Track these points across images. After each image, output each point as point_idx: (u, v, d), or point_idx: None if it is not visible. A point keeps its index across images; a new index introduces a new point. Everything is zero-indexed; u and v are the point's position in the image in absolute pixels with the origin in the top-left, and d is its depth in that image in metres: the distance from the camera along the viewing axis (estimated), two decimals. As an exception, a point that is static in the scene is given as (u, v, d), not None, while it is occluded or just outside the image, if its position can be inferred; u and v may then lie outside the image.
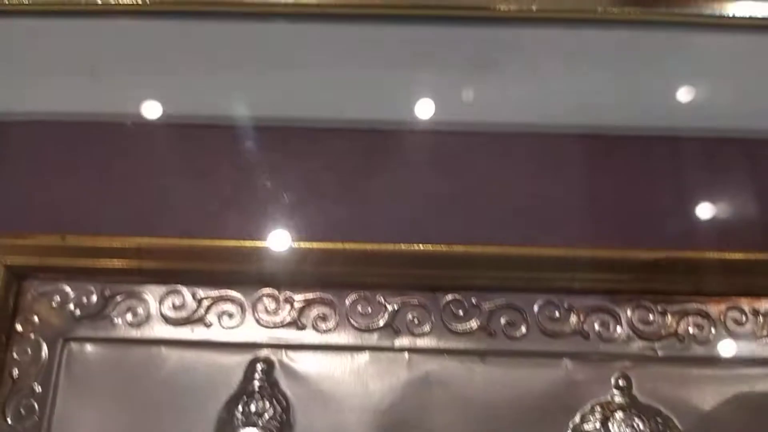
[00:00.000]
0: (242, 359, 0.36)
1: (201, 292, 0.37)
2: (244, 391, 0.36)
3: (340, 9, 0.40)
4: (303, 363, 0.36)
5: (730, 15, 0.39)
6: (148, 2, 0.40)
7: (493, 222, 0.37)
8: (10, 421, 0.35)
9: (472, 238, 0.37)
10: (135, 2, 0.40)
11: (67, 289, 0.37)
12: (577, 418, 0.36)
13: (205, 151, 0.38)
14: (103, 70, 0.40)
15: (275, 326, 0.37)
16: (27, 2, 0.41)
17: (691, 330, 0.37)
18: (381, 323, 0.37)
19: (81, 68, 0.40)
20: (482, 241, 0.37)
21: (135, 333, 0.37)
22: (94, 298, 0.37)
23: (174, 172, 0.38)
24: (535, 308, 0.37)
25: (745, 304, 0.37)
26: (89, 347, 0.37)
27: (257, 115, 0.39)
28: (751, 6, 0.39)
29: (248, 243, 0.37)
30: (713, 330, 0.37)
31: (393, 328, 0.37)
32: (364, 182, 0.38)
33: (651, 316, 0.37)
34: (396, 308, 0.37)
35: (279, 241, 0.37)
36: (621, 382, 0.36)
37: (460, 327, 0.37)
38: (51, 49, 0.40)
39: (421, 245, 0.36)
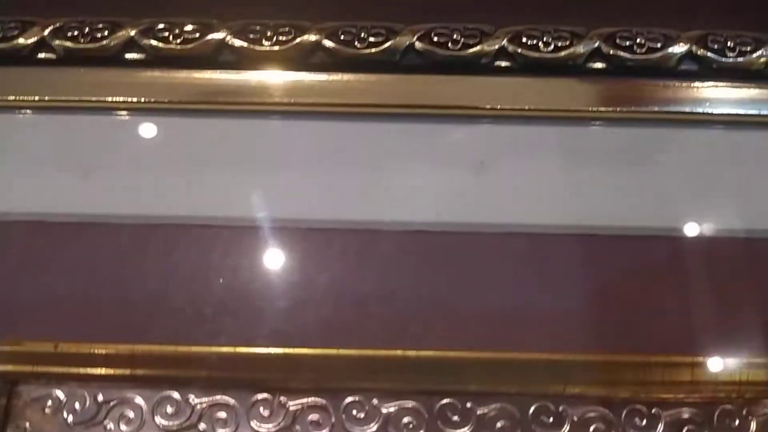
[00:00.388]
0: (236, 468, 0.36)
1: (194, 398, 0.37)
2: (238, 501, 0.36)
3: (332, 107, 0.40)
4: (297, 471, 0.36)
5: (727, 113, 0.40)
6: (142, 100, 0.40)
7: (487, 325, 0.37)
8: None
9: (466, 341, 0.37)
10: (129, 100, 0.40)
11: (60, 395, 0.37)
12: None
13: (199, 254, 0.38)
14: (96, 168, 0.40)
15: (269, 433, 0.37)
16: (12, 98, 0.40)
17: (685, 435, 0.37)
18: (375, 428, 0.37)
19: (73, 167, 0.40)
20: (477, 346, 0.37)
21: (128, 441, 0.36)
22: (87, 403, 0.37)
23: (168, 275, 0.38)
24: (529, 414, 0.37)
25: (739, 407, 0.37)
26: (82, 455, 0.36)
27: (251, 216, 0.39)
28: (747, 102, 0.40)
29: (242, 349, 0.37)
30: (708, 435, 0.37)
31: (387, 433, 0.37)
32: (358, 285, 0.38)
33: (645, 421, 0.37)
34: (391, 412, 0.37)
35: (274, 346, 0.37)
36: (616, 490, 0.36)
37: (454, 433, 0.37)
38: (41, 147, 0.40)
39: (415, 351, 0.37)
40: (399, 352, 0.37)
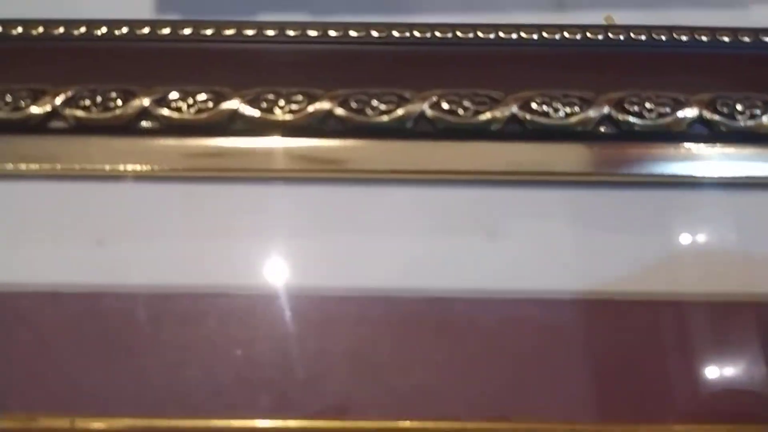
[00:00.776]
0: None
1: (211, 472, 0.37)
2: None
3: (345, 173, 0.40)
4: None
5: (737, 176, 0.40)
6: (156, 168, 0.40)
7: (496, 393, 0.38)
8: None
9: (482, 411, 0.37)
10: (142, 168, 0.40)
11: (76, 470, 0.37)
12: None
13: (215, 324, 0.38)
14: (109, 238, 0.40)
15: (286, 507, 0.36)
16: (24, 167, 0.40)
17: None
18: (391, 499, 0.37)
19: (86, 236, 0.40)
20: (493, 415, 0.37)
21: None
22: (103, 478, 0.37)
23: (184, 347, 0.38)
24: (546, 483, 0.37)
25: (756, 473, 0.37)
26: None
27: (267, 285, 0.39)
28: (757, 165, 0.40)
29: (259, 422, 0.37)
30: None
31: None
32: (375, 353, 0.38)
33: (662, 489, 0.37)
34: (406, 482, 0.37)
35: (292, 418, 0.37)
36: None
37: (471, 503, 0.37)
38: (54, 216, 0.40)
39: (433, 422, 0.37)
40: (417, 423, 0.37)
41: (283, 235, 0.40)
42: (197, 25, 0.45)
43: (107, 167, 0.40)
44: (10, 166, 0.41)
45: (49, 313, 0.39)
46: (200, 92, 0.40)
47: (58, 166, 0.41)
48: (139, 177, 0.40)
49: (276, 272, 0.39)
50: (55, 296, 0.39)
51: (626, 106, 0.39)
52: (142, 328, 0.38)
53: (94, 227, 0.40)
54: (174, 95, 0.40)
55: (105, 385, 0.37)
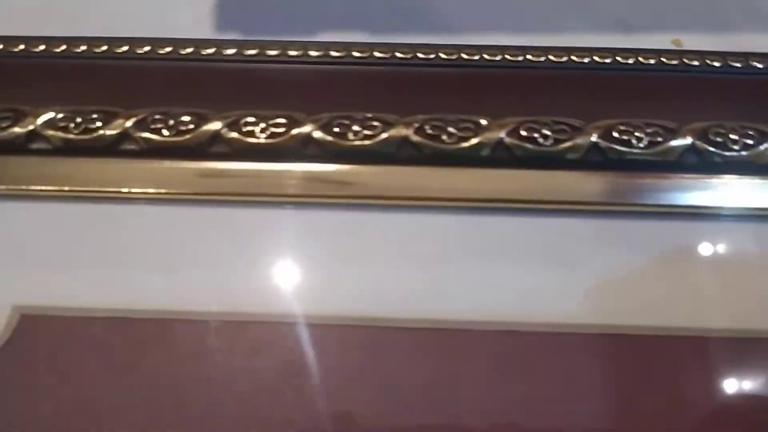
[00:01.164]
0: None
1: (282, 505, 0.36)
2: None
3: (417, 201, 0.40)
4: None
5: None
6: (227, 193, 0.40)
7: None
8: None
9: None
10: (213, 192, 0.40)
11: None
12: None
13: (287, 353, 0.38)
14: (180, 263, 0.39)
15: None
16: (96, 189, 0.40)
17: None
18: None
19: (157, 261, 0.39)
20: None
21: None
22: None
23: (255, 376, 0.37)
24: None
25: None
26: None
27: (342, 314, 0.38)
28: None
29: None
30: None
31: None
32: (451, 388, 0.37)
33: None
34: None
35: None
36: None
37: None
38: (123, 240, 0.40)
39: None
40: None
41: (358, 264, 0.39)
42: (262, 45, 0.44)
43: (178, 192, 0.40)
44: (74, 189, 0.40)
45: (120, 338, 0.38)
46: (275, 116, 0.39)
47: (134, 190, 0.40)
48: (210, 202, 0.40)
49: (351, 301, 0.39)
50: (126, 321, 0.38)
51: (710, 136, 0.38)
52: (213, 355, 0.38)
53: (166, 252, 0.39)
54: (249, 119, 0.39)
55: (175, 412, 0.37)
